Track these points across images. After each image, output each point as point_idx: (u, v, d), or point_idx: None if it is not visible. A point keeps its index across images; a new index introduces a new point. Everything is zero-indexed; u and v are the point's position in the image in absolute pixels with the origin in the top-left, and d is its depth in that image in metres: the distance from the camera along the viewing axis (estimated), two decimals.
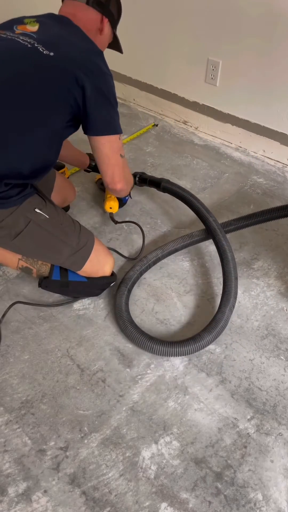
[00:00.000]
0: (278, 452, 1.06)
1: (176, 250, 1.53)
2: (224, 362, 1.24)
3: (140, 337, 1.22)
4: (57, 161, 1.43)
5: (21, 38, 1.14)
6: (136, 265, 1.44)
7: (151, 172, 1.95)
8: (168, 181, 1.65)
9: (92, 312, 1.37)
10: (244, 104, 2.03)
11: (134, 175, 1.72)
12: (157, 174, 1.95)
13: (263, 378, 1.20)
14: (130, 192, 1.59)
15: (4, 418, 1.11)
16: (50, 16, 1.25)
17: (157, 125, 2.00)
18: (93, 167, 1.75)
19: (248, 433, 1.09)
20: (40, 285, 1.36)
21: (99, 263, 1.35)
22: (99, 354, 1.25)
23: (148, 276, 1.48)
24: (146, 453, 1.05)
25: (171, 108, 2.35)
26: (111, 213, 1.62)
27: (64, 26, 1.21)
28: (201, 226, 1.55)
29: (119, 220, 1.64)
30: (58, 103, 1.15)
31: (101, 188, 1.82)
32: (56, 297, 1.41)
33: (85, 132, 1.24)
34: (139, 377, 1.20)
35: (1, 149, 1.12)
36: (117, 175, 1.31)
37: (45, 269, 1.34)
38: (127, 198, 1.67)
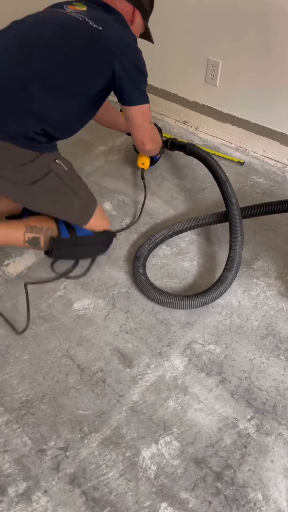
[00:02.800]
0: (278, 452, 1.06)
1: (181, 231, 1.60)
2: (224, 362, 1.24)
3: (171, 299, 1.34)
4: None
5: (73, 13, 1.30)
6: (145, 243, 1.52)
7: (152, 172, 1.95)
8: (193, 145, 1.82)
9: (92, 312, 1.37)
10: (244, 104, 2.03)
11: (166, 140, 1.89)
12: (157, 173, 1.95)
13: (263, 378, 1.20)
14: (160, 152, 1.81)
15: (4, 418, 1.11)
16: (96, 1, 1.38)
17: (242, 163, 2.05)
18: None
19: (248, 433, 1.09)
20: (50, 253, 1.44)
21: (101, 217, 1.48)
22: (99, 354, 1.25)
23: (148, 276, 1.48)
24: (146, 453, 1.05)
25: (171, 108, 2.34)
26: (142, 169, 1.81)
27: (108, 11, 1.36)
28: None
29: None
30: (98, 71, 1.29)
31: (137, 150, 1.93)
32: (54, 298, 1.41)
33: (121, 102, 1.39)
34: (139, 377, 1.20)
35: (44, 97, 1.24)
36: (146, 139, 1.49)
37: (51, 233, 1.43)
38: (158, 157, 1.84)
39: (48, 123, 1.28)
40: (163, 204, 1.80)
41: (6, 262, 1.52)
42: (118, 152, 2.10)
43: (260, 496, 0.99)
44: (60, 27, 1.27)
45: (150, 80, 2.38)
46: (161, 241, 1.56)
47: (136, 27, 1.47)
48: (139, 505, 0.97)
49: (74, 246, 1.45)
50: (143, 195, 1.77)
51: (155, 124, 1.86)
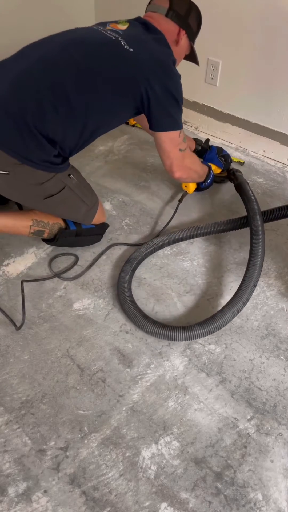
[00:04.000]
0: (278, 452, 1.06)
1: (181, 239, 1.58)
2: (224, 362, 1.24)
3: (143, 321, 1.28)
4: None
5: (108, 32, 1.28)
6: (142, 247, 1.51)
7: (151, 173, 1.95)
8: (244, 185, 1.67)
9: (92, 312, 1.37)
10: (244, 104, 2.03)
11: (231, 170, 1.82)
12: (157, 174, 1.95)
13: (263, 378, 1.20)
14: (208, 180, 1.71)
15: (4, 418, 1.11)
16: (139, 19, 1.37)
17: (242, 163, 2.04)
18: (198, 151, 1.83)
19: (248, 433, 1.09)
20: (56, 241, 1.50)
21: (102, 214, 1.56)
22: (99, 354, 1.25)
23: (148, 276, 1.48)
24: (146, 453, 1.05)
25: None
26: (185, 192, 1.73)
27: (149, 30, 1.32)
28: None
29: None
30: (124, 95, 1.27)
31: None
32: (54, 298, 1.41)
33: (149, 127, 1.36)
34: (139, 377, 1.20)
35: (66, 119, 1.24)
36: (174, 166, 1.43)
37: (57, 226, 1.49)
38: (203, 185, 1.73)
39: (68, 147, 1.31)
40: (163, 204, 1.80)
41: (6, 262, 1.52)
42: (118, 152, 2.10)
43: (260, 496, 0.99)
44: (87, 46, 1.25)
45: None
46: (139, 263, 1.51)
47: (181, 48, 1.43)
48: (139, 505, 0.97)
49: (77, 236, 1.54)
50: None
51: (221, 150, 1.82)
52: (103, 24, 1.35)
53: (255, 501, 0.98)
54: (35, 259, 1.54)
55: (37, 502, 0.97)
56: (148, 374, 1.21)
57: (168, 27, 1.35)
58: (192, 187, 1.72)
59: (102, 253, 1.56)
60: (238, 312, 1.27)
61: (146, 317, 1.28)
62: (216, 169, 1.80)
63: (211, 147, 1.82)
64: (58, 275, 1.47)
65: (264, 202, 1.81)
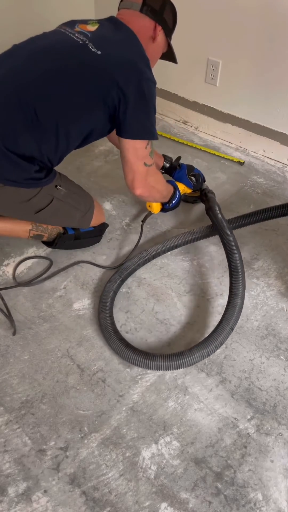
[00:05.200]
0: (278, 452, 1.06)
1: (176, 246, 1.54)
2: (224, 362, 1.24)
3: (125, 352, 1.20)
4: None
5: (76, 35, 1.21)
6: (135, 256, 1.47)
7: None
8: (215, 209, 1.56)
9: (92, 312, 1.37)
10: (244, 104, 2.03)
11: (203, 190, 1.71)
12: None
13: (263, 378, 1.20)
14: (173, 201, 1.58)
15: (4, 418, 1.11)
16: (110, 19, 1.29)
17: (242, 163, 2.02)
18: (167, 169, 1.74)
19: (248, 433, 1.09)
20: (55, 245, 1.51)
21: (99, 215, 1.54)
22: (99, 354, 1.25)
23: (148, 276, 1.48)
24: (146, 453, 1.05)
25: (171, 108, 2.34)
26: (149, 212, 1.63)
27: (119, 30, 1.24)
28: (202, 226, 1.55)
29: (145, 223, 1.62)
30: (94, 100, 1.20)
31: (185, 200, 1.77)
32: (54, 298, 1.41)
33: (116, 132, 1.28)
34: (139, 377, 1.20)
35: (38, 136, 1.19)
36: (136, 181, 1.32)
37: (55, 231, 1.49)
38: (168, 206, 1.60)
39: (48, 160, 1.26)
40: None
41: (6, 262, 1.52)
42: (118, 152, 2.10)
43: (260, 496, 0.99)
44: (53, 56, 1.18)
45: None
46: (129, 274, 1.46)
47: (158, 45, 1.36)
48: (139, 505, 0.97)
49: (76, 239, 1.53)
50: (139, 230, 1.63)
51: (191, 169, 1.71)
52: (72, 24, 1.27)
53: (255, 501, 0.98)
54: (35, 259, 1.54)
55: (37, 502, 0.97)
56: (148, 374, 1.21)
57: (143, 23, 1.28)
58: (156, 207, 1.61)
59: (63, 269, 1.48)
60: (208, 355, 1.18)
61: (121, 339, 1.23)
62: (185, 189, 1.68)
63: (181, 165, 1.72)
64: (21, 284, 1.43)
65: (264, 202, 1.81)
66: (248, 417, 1.12)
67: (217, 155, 2.09)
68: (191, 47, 2.07)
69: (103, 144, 2.13)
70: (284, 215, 1.52)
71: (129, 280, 1.46)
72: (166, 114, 2.40)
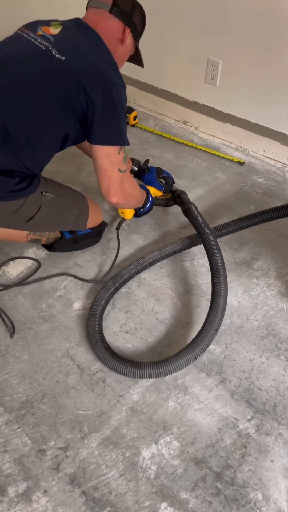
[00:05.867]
0: (278, 452, 1.06)
1: (174, 253, 1.51)
2: (224, 362, 1.24)
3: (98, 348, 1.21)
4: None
5: (38, 40, 1.17)
6: (131, 264, 1.44)
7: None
8: (191, 210, 1.53)
9: None
10: (244, 104, 2.03)
11: (175, 192, 1.69)
12: None
13: (263, 378, 1.20)
14: (146, 206, 1.58)
15: (4, 418, 1.11)
16: (74, 21, 1.25)
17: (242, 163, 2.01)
18: (135, 172, 1.70)
19: (248, 433, 1.09)
20: (53, 249, 1.51)
21: (96, 216, 1.52)
22: None
23: (148, 276, 1.48)
24: (146, 453, 1.05)
25: (171, 108, 2.34)
26: (122, 219, 1.61)
27: (84, 33, 1.21)
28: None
29: (120, 232, 1.60)
30: (62, 106, 1.16)
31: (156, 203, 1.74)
32: (54, 298, 1.41)
33: (88, 139, 1.23)
34: None
35: (13, 150, 1.17)
36: (112, 189, 1.29)
37: (53, 235, 1.48)
38: (142, 211, 1.60)
39: (29, 170, 1.23)
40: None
41: (6, 263, 1.52)
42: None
43: (260, 496, 0.99)
44: (16, 66, 1.16)
45: (150, 80, 2.41)
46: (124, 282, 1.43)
47: (126, 47, 1.32)
48: (139, 505, 0.97)
49: (74, 242, 1.53)
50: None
51: (160, 171, 1.69)
52: (34, 27, 1.23)
53: (255, 501, 0.98)
54: (39, 260, 1.54)
55: (37, 502, 0.97)
56: None
57: (112, 25, 1.25)
58: (129, 213, 1.60)
59: (47, 277, 1.46)
60: (195, 359, 1.17)
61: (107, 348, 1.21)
62: (156, 192, 1.67)
63: (150, 168, 1.68)
64: (8, 286, 1.42)
65: (264, 202, 1.81)
66: (248, 417, 1.12)
67: (217, 155, 2.09)
68: (191, 47, 2.07)
69: None
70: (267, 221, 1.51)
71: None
72: (166, 114, 2.40)
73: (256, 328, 1.33)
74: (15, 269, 1.50)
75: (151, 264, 1.48)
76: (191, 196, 1.83)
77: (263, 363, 1.24)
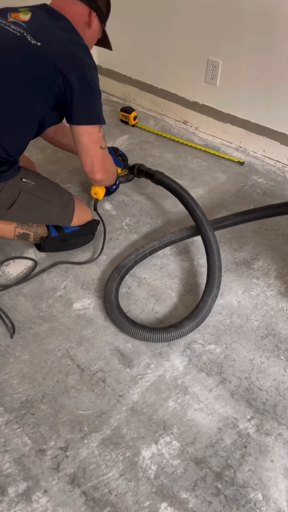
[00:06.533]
0: (278, 452, 1.06)
1: (173, 242, 1.55)
2: (224, 362, 1.24)
3: (124, 321, 1.27)
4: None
5: (11, 27, 1.21)
6: (131, 253, 1.47)
7: None
8: (161, 174, 1.69)
9: (92, 312, 1.37)
10: (244, 104, 2.03)
11: (133, 166, 1.79)
12: None
13: (263, 378, 1.20)
14: (117, 182, 1.68)
15: (4, 418, 1.11)
16: (42, 7, 1.30)
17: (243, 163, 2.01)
18: None
19: (248, 433, 1.09)
20: (42, 249, 1.49)
21: (83, 212, 1.51)
22: (99, 354, 1.25)
23: (148, 276, 1.48)
24: (146, 453, 1.05)
25: (171, 108, 2.35)
26: (96, 199, 1.66)
27: (54, 18, 1.26)
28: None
29: (99, 210, 1.66)
30: (41, 91, 1.21)
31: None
32: (54, 298, 1.41)
33: (67, 121, 1.29)
34: (139, 377, 1.20)
35: None
36: (96, 166, 1.36)
37: (41, 230, 1.47)
38: (113, 187, 1.70)
39: (7, 155, 1.25)
40: (162, 204, 1.80)
41: (6, 262, 1.52)
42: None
43: (260, 496, 0.99)
44: None
45: (150, 80, 2.41)
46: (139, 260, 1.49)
47: (94, 30, 1.37)
48: (139, 505, 0.97)
49: (63, 241, 1.51)
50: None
51: (117, 150, 1.80)
52: (4, 14, 1.26)
53: (255, 501, 0.98)
54: (35, 259, 1.54)
55: (37, 502, 0.97)
56: (148, 374, 1.21)
57: (77, 10, 1.30)
58: (102, 192, 1.64)
59: (44, 270, 1.48)
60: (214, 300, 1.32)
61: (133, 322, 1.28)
62: (117, 169, 1.71)
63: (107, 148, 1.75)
64: (6, 286, 1.43)
65: (264, 202, 1.81)
66: (248, 417, 1.12)
67: (217, 155, 2.09)
68: (191, 47, 2.07)
69: None
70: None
71: (129, 280, 1.46)
72: (166, 114, 2.40)
73: (256, 328, 1.33)
74: (15, 269, 1.50)
75: (151, 253, 1.51)
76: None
77: (263, 363, 1.24)
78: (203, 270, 1.51)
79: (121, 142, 2.17)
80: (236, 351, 1.27)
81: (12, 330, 1.29)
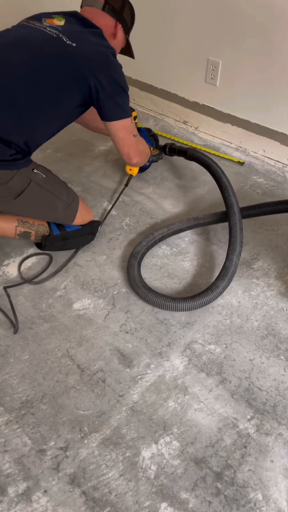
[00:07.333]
0: (278, 452, 1.06)
1: (181, 230, 1.59)
2: (224, 362, 1.24)
3: (157, 299, 1.33)
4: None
5: (48, 29, 1.29)
6: (143, 240, 1.52)
7: (151, 172, 1.95)
8: (194, 149, 1.80)
9: (92, 312, 1.37)
10: (244, 104, 2.03)
11: (164, 145, 1.89)
12: (157, 173, 1.95)
13: (263, 378, 1.20)
14: (150, 160, 1.81)
15: (4, 418, 1.11)
16: (74, 14, 1.38)
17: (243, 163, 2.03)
18: None
19: (248, 433, 1.09)
20: (43, 247, 1.50)
21: (86, 212, 1.55)
22: (99, 354, 1.25)
23: (148, 276, 1.48)
24: (146, 453, 1.05)
25: (171, 108, 2.34)
26: (130, 175, 1.78)
27: (86, 25, 1.35)
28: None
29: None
30: (71, 89, 1.28)
31: None
32: (54, 298, 1.41)
33: (102, 119, 1.39)
34: (139, 377, 1.20)
35: (16, 119, 1.25)
36: (132, 153, 1.49)
37: (43, 228, 1.49)
38: (147, 164, 1.83)
39: (26, 146, 1.30)
40: (162, 204, 1.80)
41: (6, 262, 1.52)
42: (118, 152, 2.10)
43: (260, 496, 0.99)
44: (31, 47, 1.26)
45: (150, 80, 2.40)
46: (160, 240, 1.56)
47: (118, 41, 1.47)
48: (139, 505, 0.97)
49: (65, 240, 1.52)
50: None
51: (149, 131, 1.90)
52: (38, 18, 1.35)
53: (255, 501, 0.98)
54: (35, 259, 1.54)
55: (37, 502, 0.97)
56: (148, 374, 1.21)
57: (105, 21, 1.39)
58: (136, 169, 1.77)
59: (63, 266, 1.51)
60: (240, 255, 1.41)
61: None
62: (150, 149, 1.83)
63: (140, 129, 1.85)
64: (29, 281, 1.45)
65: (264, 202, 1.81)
66: (248, 417, 1.12)
67: (217, 155, 2.09)
68: (191, 47, 2.07)
69: (103, 144, 2.13)
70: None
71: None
72: (166, 114, 2.40)
73: (256, 328, 1.33)
74: (16, 269, 1.50)
75: (161, 240, 1.57)
76: (191, 196, 1.84)
77: (263, 363, 1.24)
78: (203, 270, 1.51)
79: None
80: (236, 351, 1.27)
81: (16, 327, 1.29)
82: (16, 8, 2.17)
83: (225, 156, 2.08)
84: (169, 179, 1.92)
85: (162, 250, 1.58)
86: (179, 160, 2.06)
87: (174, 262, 1.54)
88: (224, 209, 1.58)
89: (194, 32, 2.02)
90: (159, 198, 1.83)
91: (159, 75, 2.30)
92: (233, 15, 1.84)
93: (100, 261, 1.54)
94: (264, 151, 2.07)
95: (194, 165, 2.03)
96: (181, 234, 1.64)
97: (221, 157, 2.08)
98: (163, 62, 2.23)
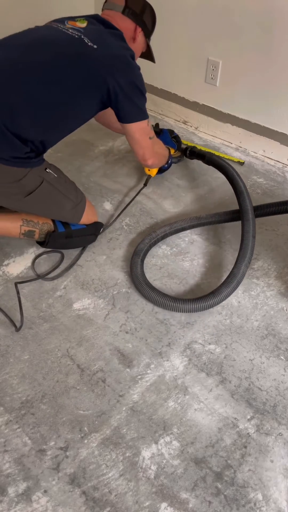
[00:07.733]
0: (278, 452, 1.06)
1: (183, 229, 1.60)
2: (224, 362, 1.24)
3: (159, 298, 1.34)
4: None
5: (70, 30, 1.31)
6: (145, 238, 1.53)
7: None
8: (212, 154, 1.82)
9: (92, 312, 1.37)
10: (244, 104, 2.03)
11: (186, 148, 1.91)
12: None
13: (263, 378, 1.20)
14: (169, 161, 1.81)
15: (4, 418, 1.11)
16: (97, 17, 1.40)
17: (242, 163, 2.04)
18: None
19: (248, 433, 1.09)
20: (46, 244, 1.50)
21: (92, 213, 1.56)
22: (99, 354, 1.25)
23: (148, 276, 1.48)
24: (146, 453, 1.05)
25: (171, 108, 2.35)
26: (149, 176, 1.80)
27: (107, 27, 1.37)
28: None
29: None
30: (91, 89, 1.30)
31: None
32: (54, 298, 1.41)
33: (119, 120, 1.40)
34: (139, 377, 1.20)
35: (34, 118, 1.26)
36: (147, 154, 1.50)
37: (47, 226, 1.49)
38: (166, 166, 1.82)
39: (41, 145, 1.32)
40: (162, 204, 1.80)
41: (6, 262, 1.52)
42: (118, 152, 2.10)
43: (260, 496, 0.99)
44: (53, 47, 1.27)
45: (150, 80, 2.40)
46: (162, 238, 1.57)
47: (138, 45, 1.48)
48: (139, 505, 0.97)
49: (68, 238, 1.53)
50: (138, 196, 1.77)
51: (172, 132, 1.91)
52: (61, 21, 1.36)
53: (255, 501, 0.98)
54: (41, 257, 1.54)
55: (37, 502, 0.97)
56: (148, 374, 1.21)
57: (125, 25, 1.41)
58: (154, 170, 1.79)
59: (74, 263, 1.52)
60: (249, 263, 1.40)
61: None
62: (171, 150, 1.84)
63: (163, 130, 1.88)
64: (41, 276, 1.46)
65: (264, 202, 1.80)
66: (248, 417, 1.12)
67: (217, 155, 2.09)
68: (191, 47, 2.07)
69: (103, 144, 2.13)
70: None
71: (129, 280, 1.46)
72: (166, 114, 2.40)
73: (256, 328, 1.33)
74: (16, 269, 1.50)
75: (163, 238, 1.58)
76: (191, 196, 1.84)
77: (263, 363, 1.24)
78: (203, 271, 1.51)
79: (121, 142, 2.17)
80: (236, 351, 1.27)
81: (20, 325, 1.30)
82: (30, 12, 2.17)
83: (225, 156, 2.08)
84: (169, 179, 1.92)
85: (162, 250, 1.58)
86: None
87: (174, 262, 1.54)
88: (224, 209, 1.58)
89: (194, 32, 2.02)
90: (159, 198, 1.83)
91: (159, 75, 2.30)
92: (233, 15, 1.85)
93: (100, 261, 1.54)
94: (264, 151, 2.07)
95: (194, 165, 2.03)
96: (181, 234, 1.64)
97: (221, 157, 2.08)
98: (163, 62, 2.22)
